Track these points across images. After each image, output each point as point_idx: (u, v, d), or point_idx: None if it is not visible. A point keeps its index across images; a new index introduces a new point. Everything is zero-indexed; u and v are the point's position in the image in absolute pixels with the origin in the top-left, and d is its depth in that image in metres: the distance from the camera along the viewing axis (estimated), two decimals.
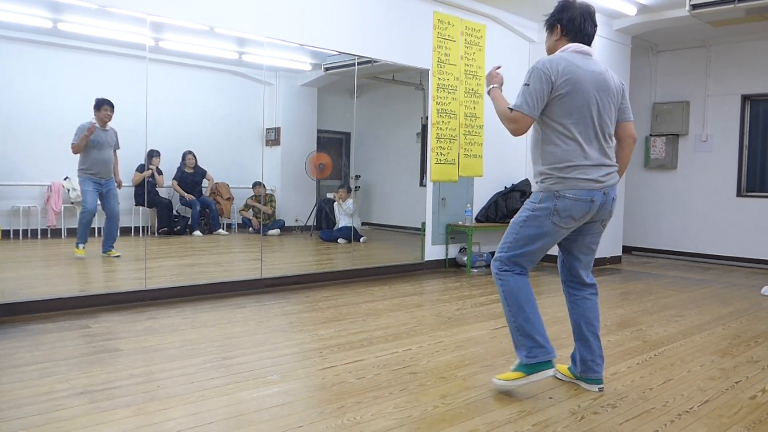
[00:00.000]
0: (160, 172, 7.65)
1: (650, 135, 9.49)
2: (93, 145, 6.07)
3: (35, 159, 6.62)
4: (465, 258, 7.50)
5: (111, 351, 3.67)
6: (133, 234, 7.36)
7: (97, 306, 4.84)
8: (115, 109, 6.16)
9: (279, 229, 9.08)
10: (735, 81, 8.78)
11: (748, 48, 8.64)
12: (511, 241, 3.12)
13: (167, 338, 4.00)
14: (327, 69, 8.24)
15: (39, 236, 6.65)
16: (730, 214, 8.83)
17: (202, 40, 7.11)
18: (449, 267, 7.61)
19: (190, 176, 8.28)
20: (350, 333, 4.27)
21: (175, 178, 8.15)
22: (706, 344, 4.24)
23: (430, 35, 7.14)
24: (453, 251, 7.68)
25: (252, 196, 8.82)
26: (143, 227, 7.49)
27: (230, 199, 8.80)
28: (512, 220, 3.17)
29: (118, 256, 6.24)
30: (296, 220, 9.40)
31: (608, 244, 8.40)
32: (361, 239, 8.84)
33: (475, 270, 7.48)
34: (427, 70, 7.17)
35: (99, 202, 6.19)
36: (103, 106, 6.10)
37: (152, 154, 7.35)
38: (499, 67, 3.24)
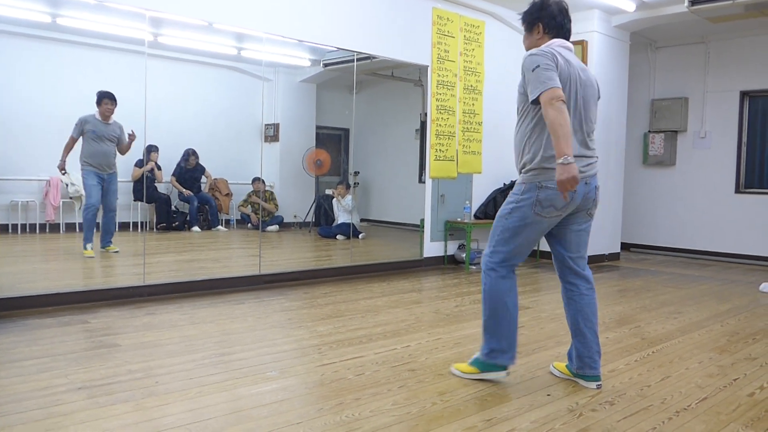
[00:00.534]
0: (159, 168, 7.64)
1: (649, 131, 9.49)
2: (93, 137, 6.06)
3: (34, 154, 6.61)
4: (464, 255, 7.51)
5: (110, 346, 3.67)
6: (131, 229, 7.37)
7: (96, 301, 4.84)
8: (117, 103, 6.12)
9: (278, 225, 9.08)
10: (734, 77, 8.78)
11: (747, 44, 8.64)
12: (499, 234, 3.15)
13: (166, 334, 4.00)
14: (326, 65, 8.24)
15: (37, 231, 6.64)
16: (728, 210, 8.83)
17: (201, 36, 7.09)
18: (448, 264, 7.61)
19: (189, 172, 8.27)
20: (349, 330, 4.27)
21: (173, 174, 8.15)
22: (705, 341, 4.25)
23: (430, 31, 7.13)
24: (452, 248, 7.68)
25: (252, 192, 8.82)
26: (142, 222, 7.49)
27: (229, 194, 8.80)
28: (497, 214, 3.20)
29: (117, 251, 6.24)
30: (295, 217, 9.40)
31: (606, 241, 8.40)
32: (360, 236, 8.85)
33: (474, 267, 7.49)
34: (426, 67, 7.16)
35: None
36: (103, 100, 6.09)
37: (151, 149, 7.34)
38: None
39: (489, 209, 7.77)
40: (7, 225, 6.47)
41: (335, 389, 3.06)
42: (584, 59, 7.81)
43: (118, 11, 5.30)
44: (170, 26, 6.21)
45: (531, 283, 6.54)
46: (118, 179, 6.42)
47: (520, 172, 3.14)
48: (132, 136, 6.13)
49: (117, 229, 6.51)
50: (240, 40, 7.32)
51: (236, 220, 8.96)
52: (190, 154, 8.20)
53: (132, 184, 7.22)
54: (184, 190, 8.13)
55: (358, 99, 7.23)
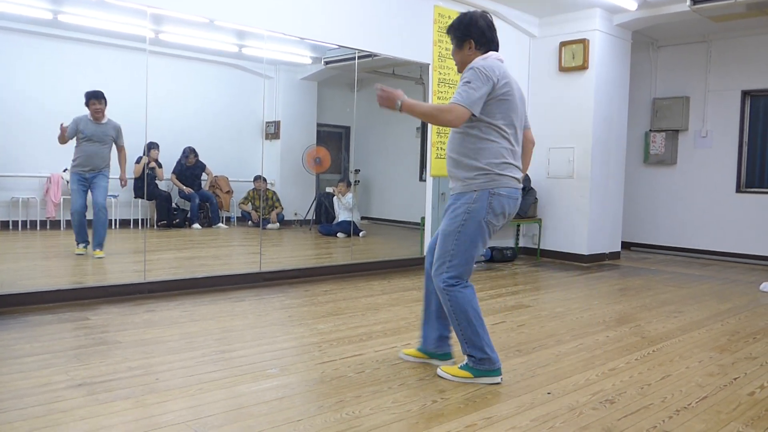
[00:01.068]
0: (159, 165, 7.65)
1: (650, 130, 9.48)
2: (83, 138, 6.01)
3: (35, 150, 6.62)
4: None
5: (110, 343, 3.67)
6: (132, 226, 7.37)
7: (96, 298, 4.84)
8: (106, 101, 6.03)
9: (278, 223, 9.09)
10: (735, 76, 8.77)
11: (749, 43, 8.63)
12: (452, 250, 3.14)
13: (166, 331, 4.00)
14: (327, 63, 8.23)
15: (38, 228, 6.65)
16: (729, 209, 8.83)
17: (202, 33, 7.10)
18: None
19: (190, 170, 8.29)
20: (349, 327, 4.27)
21: (174, 172, 8.15)
22: (705, 340, 4.25)
23: (431, 29, 7.12)
24: None
25: (253, 189, 8.83)
26: (142, 220, 7.50)
27: (230, 192, 8.81)
28: (443, 229, 3.18)
29: (101, 257, 6.06)
30: (295, 214, 9.41)
31: (607, 240, 8.40)
32: (361, 233, 8.85)
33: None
34: (428, 65, 7.15)
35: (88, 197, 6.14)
36: (90, 101, 6.00)
37: (151, 146, 7.35)
38: (380, 87, 3.09)
39: None
40: (8, 222, 6.48)
41: (335, 387, 3.06)
42: (585, 58, 7.80)
43: (120, 8, 5.30)
44: (171, 23, 6.21)
45: (531, 281, 6.54)
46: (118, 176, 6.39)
47: (468, 179, 3.12)
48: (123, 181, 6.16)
49: (116, 227, 6.49)
50: (241, 38, 7.32)
51: (237, 217, 8.96)
52: (189, 152, 8.21)
53: (133, 181, 7.23)
54: (184, 187, 8.14)
55: (359, 97, 7.23)
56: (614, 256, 8.55)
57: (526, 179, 7.96)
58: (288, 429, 2.53)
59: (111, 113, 6.19)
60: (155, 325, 4.16)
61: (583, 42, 7.83)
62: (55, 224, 6.73)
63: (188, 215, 8.25)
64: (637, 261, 8.52)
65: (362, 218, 9.52)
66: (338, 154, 9.92)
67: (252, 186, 8.84)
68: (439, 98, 7.21)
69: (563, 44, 8.02)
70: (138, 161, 7.03)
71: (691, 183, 9.19)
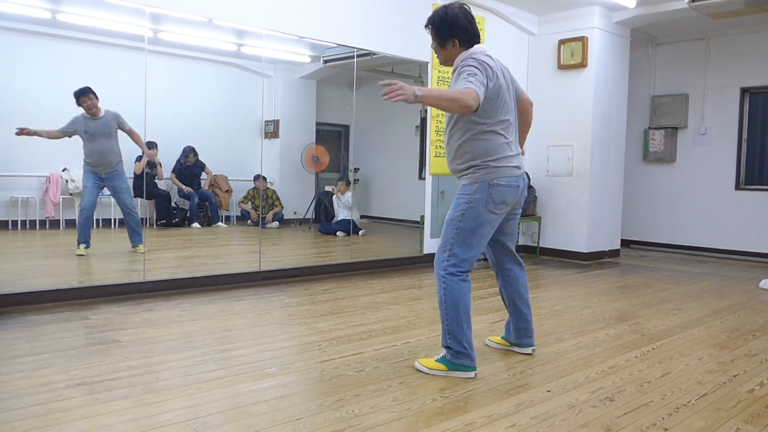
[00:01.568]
0: (159, 164, 7.64)
1: (649, 128, 9.48)
2: (85, 137, 5.99)
3: (34, 150, 6.61)
4: None
5: (110, 342, 3.67)
6: None
7: (96, 297, 4.84)
8: (96, 95, 5.95)
9: (278, 222, 9.08)
10: (734, 74, 8.77)
11: (748, 40, 8.62)
12: (453, 237, 3.21)
13: (166, 330, 4.00)
14: (326, 61, 8.23)
15: (37, 227, 6.65)
16: (728, 207, 8.83)
17: (200, 32, 7.09)
18: None
19: (189, 169, 8.28)
20: (349, 326, 4.28)
21: (173, 171, 8.15)
22: (704, 337, 4.25)
23: None
24: None
25: (252, 188, 8.82)
26: (142, 219, 7.49)
27: (229, 191, 8.80)
28: (447, 218, 3.28)
29: (143, 252, 6.13)
30: (295, 213, 9.40)
31: (606, 238, 8.40)
32: (360, 232, 8.85)
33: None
34: (427, 63, 7.15)
35: (99, 197, 6.13)
36: (80, 99, 5.93)
37: (150, 146, 7.33)
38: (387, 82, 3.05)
39: None
40: (7, 221, 6.47)
41: (335, 385, 3.06)
42: (584, 56, 7.80)
43: (118, 7, 5.29)
44: (170, 22, 6.20)
45: (531, 279, 6.54)
46: None
47: (465, 174, 3.23)
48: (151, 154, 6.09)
49: (115, 227, 6.49)
50: (240, 37, 7.31)
51: (236, 216, 8.96)
52: (189, 152, 8.20)
53: (132, 180, 7.22)
54: (184, 186, 8.13)
55: (358, 95, 7.23)
56: (613, 253, 8.56)
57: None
58: (288, 428, 2.53)
59: (105, 106, 6.17)
60: (155, 324, 4.16)
61: (582, 40, 7.82)
62: (54, 224, 6.73)
63: (187, 214, 8.24)
64: (637, 258, 8.52)
65: (361, 217, 9.52)
66: (337, 153, 9.92)
67: (252, 185, 8.84)
68: None
69: (562, 42, 8.02)
70: (138, 159, 7.02)
71: (691, 180, 9.19)
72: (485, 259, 7.69)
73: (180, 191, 8.14)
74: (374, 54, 6.81)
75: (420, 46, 7.03)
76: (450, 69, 7.28)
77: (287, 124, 9.09)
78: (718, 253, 8.90)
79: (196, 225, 8.21)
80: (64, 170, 6.67)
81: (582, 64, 7.84)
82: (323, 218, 9.43)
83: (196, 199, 8.25)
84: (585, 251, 8.02)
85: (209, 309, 4.66)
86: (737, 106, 8.76)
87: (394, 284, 6.00)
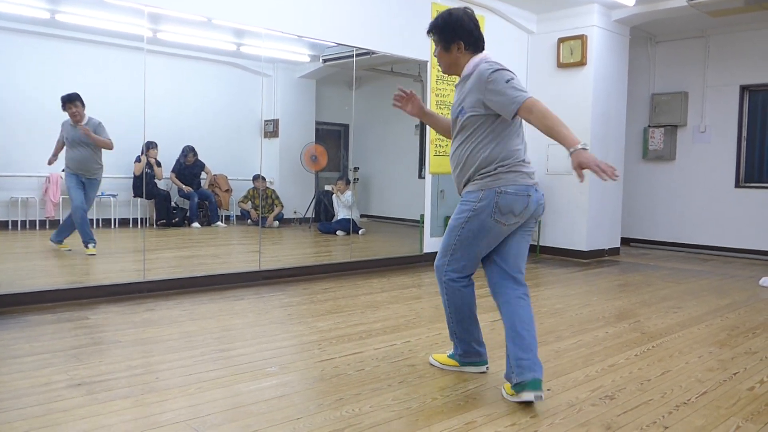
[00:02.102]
0: (158, 164, 7.64)
1: (648, 126, 9.48)
2: (68, 143, 6.03)
3: (34, 150, 6.62)
4: None
5: (109, 342, 3.67)
6: (131, 225, 7.37)
7: (96, 297, 4.84)
8: (83, 103, 5.97)
9: (278, 221, 9.09)
10: (734, 71, 8.77)
11: (747, 38, 8.62)
12: (455, 244, 3.08)
13: (165, 330, 4.00)
14: (325, 61, 8.23)
15: (37, 227, 6.65)
16: (728, 205, 8.83)
17: (200, 31, 7.09)
18: None
19: (189, 168, 8.28)
20: (349, 325, 4.28)
21: (173, 171, 8.15)
22: (704, 335, 4.25)
23: None
24: None
25: (252, 188, 8.82)
26: (141, 219, 7.50)
27: (229, 190, 8.80)
28: (450, 224, 3.13)
29: (69, 250, 6.16)
30: (295, 213, 9.41)
31: (606, 236, 8.40)
32: (360, 231, 8.85)
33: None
34: (426, 62, 7.15)
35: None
36: (65, 105, 5.95)
37: (149, 146, 7.34)
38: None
39: None
40: (7, 221, 6.48)
41: (335, 385, 3.06)
42: (584, 54, 7.80)
43: (117, 7, 5.30)
44: (169, 22, 6.20)
45: (531, 278, 6.53)
46: (120, 176, 6.39)
47: (473, 180, 3.04)
48: (85, 129, 6.02)
49: (115, 226, 6.49)
50: (239, 36, 7.31)
51: (236, 216, 8.96)
52: (188, 151, 8.20)
53: (132, 180, 7.23)
54: (184, 186, 8.13)
55: (357, 95, 7.23)
56: (613, 252, 8.56)
57: None
58: (288, 427, 2.53)
59: (110, 113, 6.19)
60: (154, 324, 4.16)
61: (581, 38, 7.82)
62: (54, 224, 6.73)
63: (187, 214, 8.25)
64: (637, 257, 8.52)
65: (361, 216, 9.52)
66: (337, 152, 9.92)
67: (251, 185, 8.84)
68: (437, 95, 7.21)
69: (561, 40, 8.01)
70: (138, 160, 7.02)
71: (690, 178, 9.19)
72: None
73: (180, 191, 8.14)
74: (373, 53, 6.81)
75: (419, 46, 7.03)
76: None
77: (287, 124, 9.09)
78: (718, 251, 8.90)
79: (196, 225, 8.21)
80: (63, 171, 6.67)
81: (581, 63, 7.84)
82: (323, 217, 9.44)
83: (196, 199, 8.25)
84: (585, 249, 8.02)
85: (209, 309, 4.66)
86: (737, 104, 8.76)
87: (394, 283, 6.00)
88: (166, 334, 3.89)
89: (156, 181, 7.70)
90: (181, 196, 8.19)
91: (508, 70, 2.95)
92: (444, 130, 3.45)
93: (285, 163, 9.20)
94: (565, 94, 8.03)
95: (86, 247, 5.97)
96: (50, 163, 6.11)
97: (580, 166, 2.76)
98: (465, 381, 3.16)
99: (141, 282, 5.16)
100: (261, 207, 8.81)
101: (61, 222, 6.35)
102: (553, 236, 8.29)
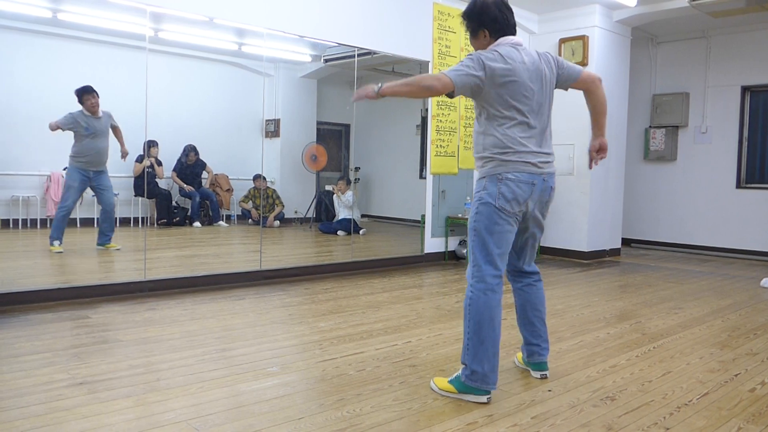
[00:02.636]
0: (159, 163, 7.64)
1: (650, 127, 9.47)
2: (86, 133, 6.00)
3: (35, 149, 6.62)
4: (464, 251, 7.51)
5: (111, 342, 3.67)
6: (132, 225, 7.37)
7: (97, 296, 4.84)
8: (98, 94, 6.04)
9: (278, 221, 9.08)
10: (735, 72, 8.77)
11: (748, 39, 8.62)
12: (473, 241, 3.02)
13: (167, 329, 4.00)
14: (327, 60, 8.22)
15: (38, 226, 6.65)
16: (729, 205, 8.83)
17: (201, 31, 7.08)
18: (449, 259, 7.61)
19: (190, 168, 8.28)
20: (350, 325, 4.28)
21: (174, 170, 8.15)
22: (706, 336, 4.25)
23: (431, 27, 7.12)
24: (453, 244, 7.68)
25: (253, 188, 8.82)
26: (142, 218, 7.50)
27: (230, 190, 8.80)
28: (468, 223, 3.10)
29: (118, 249, 6.22)
30: (296, 212, 9.40)
31: (607, 236, 8.40)
32: (361, 231, 8.85)
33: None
34: (428, 62, 7.15)
35: (81, 198, 6.16)
36: (83, 96, 5.96)
37: (150, 144, 7.33)
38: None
39: None
40: (8, 220, 6.48)
41: (336, 385, 3.06)
42: (585, 54, 7.80)
43: (119, 6, 5.29)
44: (171, 21, 6.20)
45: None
46: (120, 175, 6.40)
47: (479, 167, 3.09)
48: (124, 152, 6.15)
49: (118, 225, 6.50)
50: (241, 36, 7.31)
51: (237, 215, 8.96)
52: (190, 150, 8.20)
53: (133, 179, 7.22)
54: (185, 185, 8.13)
55: None
56: (614, 252, 8.55)
57: None
58: (289, 427, 2.53)
59: (111, 111, 6.19)
60: (156, 323, 4.16)
61: (583, 38, 7.82)
62: None
63: (188, 213, 8.25)
64: (638, 257, 8.52)
65: (362, 216, 9.52)
66: (338, 152, 9.92)
67: (252, 184, 8.84)
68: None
69: (563, 41, 8.01)
70: (139, 160, 7.02)
71: (691, 179, 9.19)
72: None
73: (181, 190, 8.14)
74: (375, 53, 6.81)
75: (421, 45, 7.04)
76: (450, 66, 7.31)
77: (288, 123, 9.09)
78: (719, 251, 8.90)
79: (197, 224, 8.20)
80: (65, 169, 6.67)
81: (583, 63, 7.83)
82: (324, 217, 9.43)
83: (198, 198, 8.25)
84: (586, 250, 8.02)
85: (210, 308, 4.66)
86: (738, 105, 8.76)
87: (395, 283, 6.00)
88: (167, 334, 3.90)
89: (157, 180, 7.70)
90: (182, 195, 8.18)
91: (469, 57, 2.94)
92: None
93: (286, 162, 9.20)
94: (566, 94, 7.92)
95: (52, 244, 5.94)
96: (53, 128, 5.97)
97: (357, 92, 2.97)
98: None
99: (142, 281, 5.17)
100: (262, 207, 8.80)
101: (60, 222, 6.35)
102: (553, 237, 8.29)
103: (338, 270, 6.57)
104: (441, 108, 7.28)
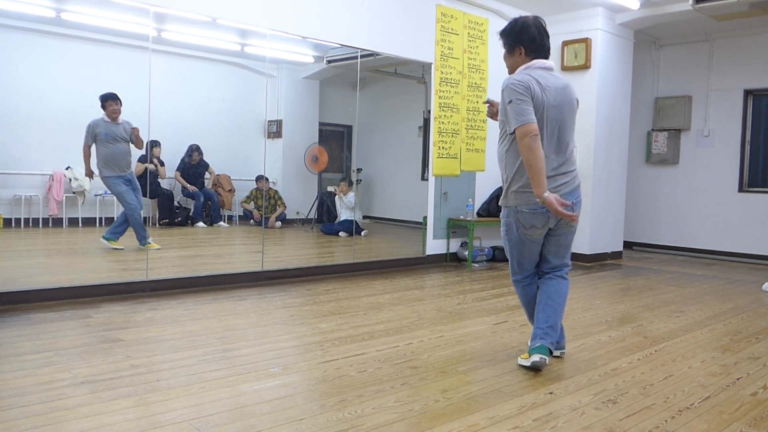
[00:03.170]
0: (162, 163, 7.64)
1: (652, 130, 9.47)
2: (108, 140, 6.05)
3: (37, 148, 6.62)
4: (466, 252, 7.50)
5: (112, 341, 3.68)
6: None
7: (99, 296, 4.85)
8: (121, 102, 6.08)
9: (280, 222, 9.09)
10: (737, 76, 8.76)
11: (751, 42, 8.61)
12: (507, 250, 3.54)
13: (168, 329, 4.01)
14: (329, 62, 8.23)
15: (41, 225, 6.65)
16: (731, 209, 8.82)
17: (204, 32, 7.09)
18: (450, 261, 7.61)
19: (193, 168, 8.28)
20: (351, 326, 4.28)
21: (178, 170, 8.15)
22: (707, 340, 4.24)
23: (433, 29, 7.12)
24: (454, 246, 7.68)
25: (255, 189, 8.82)
26: (145, 218, 7.50)
27: (232, 190, 8.80)
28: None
29: (121, 249, 6.21)
30: (297, 213, 9.40)
31: (609, 239, 8.40)
32: (363, 233, 8.85)
33: (476, 264, 7.48)
34: (430, 64, 7.15)
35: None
36: (107, 102, 6.03)
37: (153, 144, 7.34)
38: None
39: (492, 207, 7.76)
40: (11, 219, 6.48)
41: (338, 386, 3.06)
42: (588, 57, 7.80)
43: (122, 6, 5.30)
44: (174, 22, 6.20)
45: None
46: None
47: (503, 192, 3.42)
48: (135, 129, 6.13)
49: (96, 226, 6.53)
50: (244, 36, 7.32)
51: (238, 216, 8.96)
52: (193, 150, 8.20)
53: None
54: (189, 185, 8.14)
55: (361, 96, 7.23)
56: (616, 255, 8.55)
57: None
58: (290, 428, 2.53)
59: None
60: (157, 323, 4.16)
61: (586, 41, 7.82)
62: (57, 222, 6.74)
63: (191, 213, 8.25)
64: (639, 260, 8.51)
65: (364, 217, 9.52)
66: (340, 153, 9.92)
67: (254, 185, 8.84)
68: (440, 97, 7.21)
69: (565, 43, 8.01)
70: (141, 160, 7.02)
71: (694, 182, 9.18)
72: (488, 260, 7.71)
73: (184, 190, 8.14)
74: (377, 54, 6.81)
75: (423, 47, 7.04)
76: (454, 71, 7.32)
77: (290, 124, 9.09)
78: (721, 255, 8.89)
79: (201, 224, 8.21)
80: (67, 168, 6.68)
81: (585, 66, 7.84)
82: (326, 218, 9.43)
83: (202, 199, 8.26)
84: (587, 253, 8.01)
85: (212, 308, 4.67)
86: (741, 108, 8.75)
87: (396, 285, 6.00)
88: (168, 334, 3.90)
89: (159, 180, 7.70)
90: (185, 195, 8.19)
91: (516, 88, 3.09)
92: None
93: (288, 163, 9.20)
94: None
95: (149, 243, 6.15)
96: (90, 175, 6.13)
97: (555, 211, 3.08)
98: (468, 384, 3.16)
99: (144, 281, 5.17)
100: (264, 207, 8.81)
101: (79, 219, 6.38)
102: None
103: (340, 271, 6.57)
104: (443, 110, 7.28)
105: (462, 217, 7.57)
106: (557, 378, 3.30)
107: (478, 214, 7.81)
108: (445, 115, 7.30)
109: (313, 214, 9.49)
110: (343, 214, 8.95)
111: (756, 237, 8.57)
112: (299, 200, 9.41)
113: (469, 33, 7.49)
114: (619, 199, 8.53)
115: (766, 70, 8.49)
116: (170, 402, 2.76)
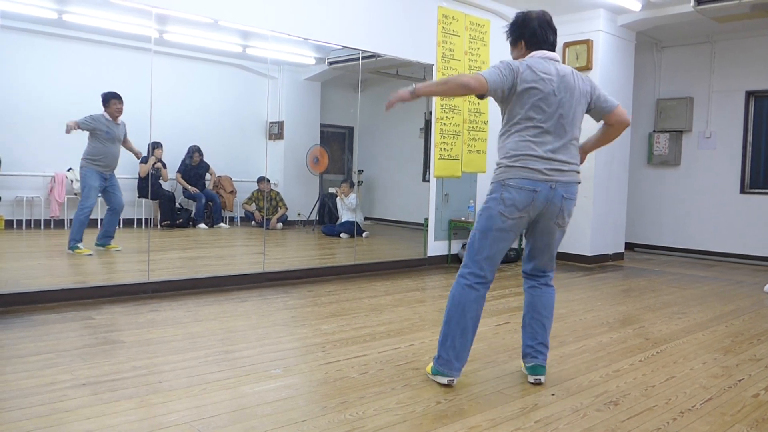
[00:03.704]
0: (163, 165, 7.65)
1: (654, 131, 9.47)
2: (106, 138, 6.06)
3: (39, 150, 6.64)
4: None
5: (114, 343, 3.68)
6: (135, 226, 7.38)
7: (100, 297, 4.85)
8: (123, 101, 6.09)
9: (281, 223, 9.09)
10: (739, 77, 8.76)
11: (753, 44, 8.61)
12: (470, 239, 3.20)
13: (170, 331, 4.01)
14: (331, 63, 8.23)
15: (42, 227, 6.67)
16: (733, 210, 8.81)
17: (206, 33, 7.10)
18: (452, 263, 7.61)
19: (194, 169, 8.30)
20: (353, 328, 4.27)
21: (179, 171, 8.16)
22: (709, 342, 4.24)
23: (435, 30, 7.12)
24: (455, 247, 7.67)
25: (257, 190, 8.83)
26: (146, 219, 7.51)
27: (233, 192, 8.81)
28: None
29: (118, 250, 6.23)
30: (299, 215, 9.41)
31: (610, 241, 8.39)
32: (364, 234, 8.85)
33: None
34: (431, 65, 7.15)
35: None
36: (110, 100, 6.04)
37: (155, 146, 7.35)
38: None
39: None
40: (12, 221, 6.49)
41: (339, 388, 3.06)
42: (589, 59, 7.79)
43: (124, 8, 5.30)
44: (176, 23, 6.22)
45: None
46: (124, 176, 6.42)
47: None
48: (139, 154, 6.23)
49: (121, 227, 6.52)
50: (245, 38, 7.33)
51: (240, 217, 8.97)
52: (194, 151, 8.22)
53: (137, 181, 7.24)
54: (190, 187, 8.15)
55: (362, 97, 7.23)
56: (618, 257, 8.54)
57: None
58: (291, 430, 2.53)
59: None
60: (159, 325, 4.16)
61: (587, 43, 7.82)
62: (59, 223, 6.75)
63: (192, 215, 8.26)
64: (641, 262, 8.51)
65: (365, 219, 9.52)
66: (341, 155, 9.92)
67: (256, 186, 8.85)
68: (442, 99, 7.21)
69: (567, 45, 8.01)
70: (145, 161, 7.03)
71: (695, 184, 9.17)
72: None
73: (186, 192, 8.15)
74: (379, 56, 6.82)
75: (425, 49, 7.04)
76: (454, 71, 7.31)
77: (292, 126, 9.10)
78: (722, 256, 8.88)
79: (202, 225, 8.22)
80: (69, 170, 6.69)
81: (587, 67, 7.83)
82: (327, 220, 9.44)
83: (203, 200, 8.27)
84: (589, 254, 8.01)
85: (213, 310, 4.67)
86: (742, 110, 8.75)
87: (398, 286, 6.00)
88: (170, 335, 3.90)
89: (161, 181, 7.71)
90: (187, 197, 8.20)
91: (505, 62, 3.06)
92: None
93: (289, 165, 9.21)
94: None
95: (77, 248, 5.94)
96: (73, 125, 6.02)
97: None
98: (469, 385, 3.16)
99: (145, 283, 5.17)
100: (265, 209, 8.81)
101: (70, 223, 6.36)
102: None
103: (341, 273, 6.57)
104: (445, 111, 7.28)
105: (463, 218, 7.57)
106: (558, 380, 3.30)
107: None
108: (446, 117, 7.30)
109: (314, 216, 9.49)
110: (345, 216, 8.95)
111: (758, 238, 8.56)
112: (300, 202, 9.41)
113: (470, 34, 7.49)
114: (620, 201, 8.52)
115: (767, 71, 8.49)
116: (172, 403, 2.76)
